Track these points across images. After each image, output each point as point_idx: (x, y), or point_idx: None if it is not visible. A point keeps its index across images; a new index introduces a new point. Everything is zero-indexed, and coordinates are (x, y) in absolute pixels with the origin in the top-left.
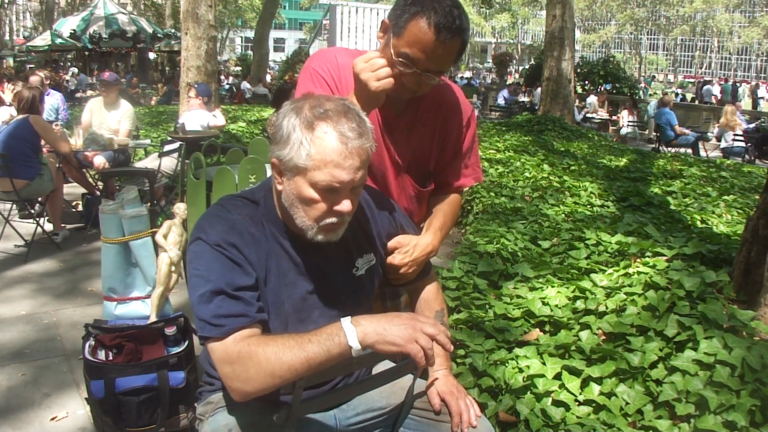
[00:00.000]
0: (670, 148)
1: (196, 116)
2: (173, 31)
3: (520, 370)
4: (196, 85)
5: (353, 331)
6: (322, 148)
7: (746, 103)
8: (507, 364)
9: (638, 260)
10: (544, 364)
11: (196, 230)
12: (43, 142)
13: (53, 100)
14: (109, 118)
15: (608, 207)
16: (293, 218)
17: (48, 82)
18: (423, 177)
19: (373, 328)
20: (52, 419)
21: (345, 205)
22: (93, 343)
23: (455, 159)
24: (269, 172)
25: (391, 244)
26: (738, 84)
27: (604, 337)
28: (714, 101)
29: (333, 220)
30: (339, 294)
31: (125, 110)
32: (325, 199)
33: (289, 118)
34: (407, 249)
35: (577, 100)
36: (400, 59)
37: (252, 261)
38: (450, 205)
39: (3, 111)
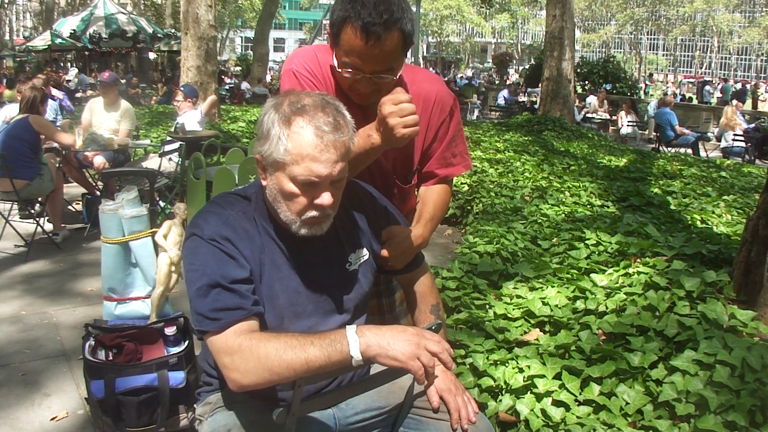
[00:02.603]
0: (670, 148)
1: (189, 117)
2: (173, 31)
3: (520, 370)
4: (182, 88)
5: (356, 342)
6: (299, 142)
7: (747, 104)
8: (507, 364)
9: (638, 260)
10: (544, 364)
11: (190, 227)
12: (44, 137)
13: (53, 102)
14: (108, 118)
15: (608, 207)
16: (278, 213)
17: (48, 87)
18: (407, 174)
19: (376, 340)
20: (52, 419)
21: (325, 199)
22: (93, 343)
23: (440, 150)
24: None
25: (383, 233)
26: (746, 84)
27: (604, 337)
28: (715, 101)
29: (315, 213)
30: (332, 289)
31: (125, 110)
32: (305, 193)
33: (269, 115)
34: (397, 240)
35: (577, 100)
36: (346, 68)
37: (246, 255)
38: (439, 195)
39: (7, 109)
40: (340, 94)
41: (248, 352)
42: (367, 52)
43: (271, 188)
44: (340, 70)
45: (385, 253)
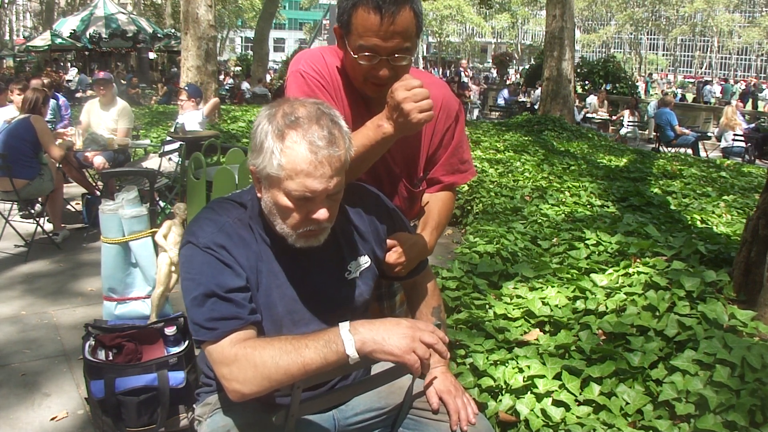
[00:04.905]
0: (670, 148)
1: (190, 117)
2: (173, 31)
3: (520, 370)
4: (186, 87)
5: (351, 340)
6: (293, 158)
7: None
8: (507, 364)
9: (638, 260)
10: (544, 364)
11: (186, 234)
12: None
13: (53, 101)
14: (106, 117)
15: (608, 207)
16: (274, 225)
17: (49, 88)
18: (415, 178)
19: (371, 336)
20: (52, 419)
21: (321, 214)
22: (93, 343)
23: (446, 156)
24: None
25: (388, 241)
26: (755, 86)
27: (604, 337)
28: (715, 101)
29: (310, 227)
30: (330, 297)
31: (121, 109)
32: (300, 208)
33: (262, 126)
34: (402, 249)
35: (577, 100)
36: (363, 53)
37: (242, 263)
38: (444, 203)
39: (6, 110)
40: (349, 94)
41: (244, 361)
42: (383, 29)
43: (266, 201)
44: (356, 56)
45: (389, 260)
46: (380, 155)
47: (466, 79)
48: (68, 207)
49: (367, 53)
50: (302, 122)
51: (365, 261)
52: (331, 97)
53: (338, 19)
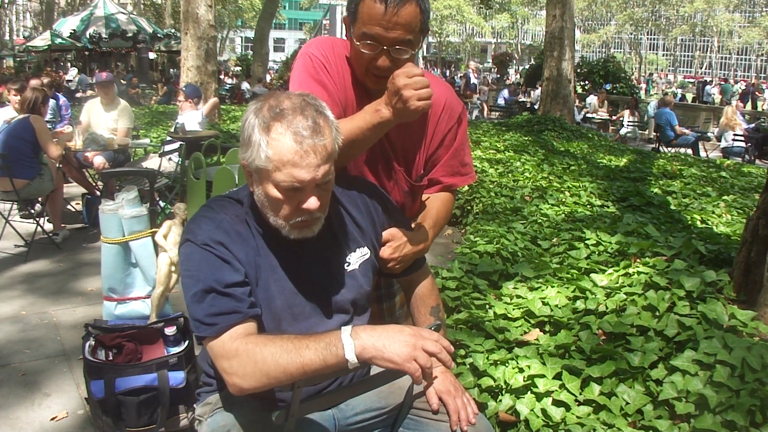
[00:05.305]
0: (670, 148)
1: (190, 117)
2: (173, 31)
3: (520, 370)
4: (184, 88)
5: (351, 345)
6: (278, 149)
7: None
8: (507, 364)
9: (638, 260)
10: (544, 364)
11: (185, 233)
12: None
13: (52, 101)
14: (106, 118)
15: (608, 207)
16: (268, 217)
17: (49, 88)
18: (414, 173)
19: (372, 342)
20: (52, 419)
21: (311, 203)
22: (93, 343)
23: (447, 157)
24: None
25: (384, 235)
26: (754, 85)
27: (604, 337)
28: (717, 101)
29: (302, 218)
30: (330, 289)
31: (122, 108)
32: (290, 199)
33: (250, 120)
34: (398, 244)
35: (577, 100)
36: (365, 41)
37: (240, 258)
38: (443, 203)
39: (6, 110)
40: (356, 88)
41: (245, 356)
42: (386, 18)
43: (258, 194)
44: (358, 43)
45: (383, 255)
46: (375, 140)
47: (475, 81)
48: (68, 207)
49: (369, 41)
50: (287, 113)
51: (365, 252)
52: (332, 81)
53: (347, 8)
